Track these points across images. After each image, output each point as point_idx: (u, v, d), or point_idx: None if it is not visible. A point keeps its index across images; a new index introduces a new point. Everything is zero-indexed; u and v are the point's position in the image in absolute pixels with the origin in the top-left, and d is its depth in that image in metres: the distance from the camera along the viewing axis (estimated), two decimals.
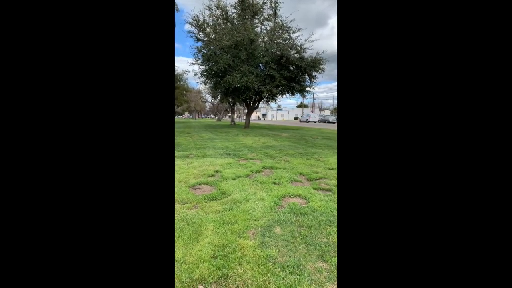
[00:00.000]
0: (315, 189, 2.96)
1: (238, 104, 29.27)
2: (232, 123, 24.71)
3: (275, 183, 3.15)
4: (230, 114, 32.71)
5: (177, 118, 63.57)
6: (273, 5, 15.08)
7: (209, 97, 44.40)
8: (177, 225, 1.92)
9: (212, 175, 3.56)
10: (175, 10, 21.26)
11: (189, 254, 1.55)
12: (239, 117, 46.68)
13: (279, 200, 2.54)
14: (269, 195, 2.66)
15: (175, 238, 1.73)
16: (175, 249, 1.60)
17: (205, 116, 77.14)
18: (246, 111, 19.50)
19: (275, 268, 1.44)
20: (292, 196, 2.69)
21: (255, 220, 2.06)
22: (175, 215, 2.13)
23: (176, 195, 2.62)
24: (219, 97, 23.27)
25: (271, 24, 15.39)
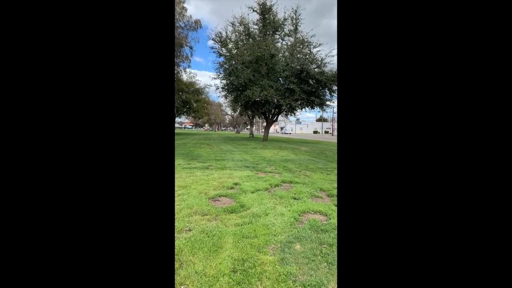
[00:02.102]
0: (337, 205, 2.88)
1: (257, 117, 29.58)
2: (251, 135, 24.91)
3: (294, 198, 3.11)
4: (249, 127, 33.05)
5: (198, 130, 65.15)
6: (294, 21, 15.42)
7: (229, 110, 45.36)
8: (197, 237, 1.94)
9: (231, 188, 3.59)
10: (199, 27, 22.33)
11: (209, 267, 1.55)
12: (257, 130, 47.04)
13: (299, 215, 2.50)
14: (289, 210, 2.62)
15: (196, 250, 1.75)
16: (196, 261, 1.61)
17: (225, 128, 78.44)
18: (265, 124, 19.63)
19: (296, 286, 1.40)
20: (312, 212, 2.63)
21: (274, 235, 2.04)
22: (196, 226, 2.15)
23: (196, 207, 2.66)
24: (238, 110, 23.71)
25: (291, 39, 15.68)
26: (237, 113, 33.86)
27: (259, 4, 15.10)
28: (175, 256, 1.66)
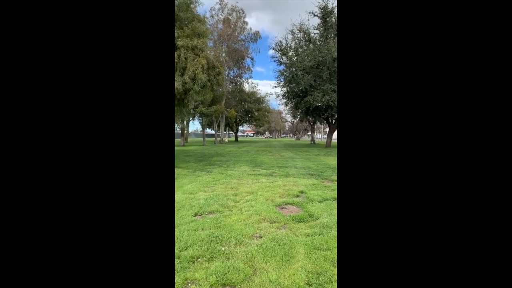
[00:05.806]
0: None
1: (318, 123, 28.72)
2: (312, 142, 24.26)
3: None
4: (309, 133, 32.32)
5: (259, 137, 67.18)
6: None
7: (289, 117, 45.40)
8: (268, 244, 1.95)
9: (297, 196, 3.52)
10: (258, 38, 23.22)
11: (283, 277, 1.53)
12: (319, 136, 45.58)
13: None
14: None
15: (268, 258, 1.75)
16: (269, 269, 1.61)
17: (284, 135, 78.68)
18: (326, 129, 18.86)
19: None
20: None
21: None
22: (266, 233, 2.17)
23: (264, 213, 2.69)
24: (299, 116, 23.47)
25: None
26: (297, 119, 33.58)
27: (320, 8, 14.82)
28: (249, 262, 1.70)
